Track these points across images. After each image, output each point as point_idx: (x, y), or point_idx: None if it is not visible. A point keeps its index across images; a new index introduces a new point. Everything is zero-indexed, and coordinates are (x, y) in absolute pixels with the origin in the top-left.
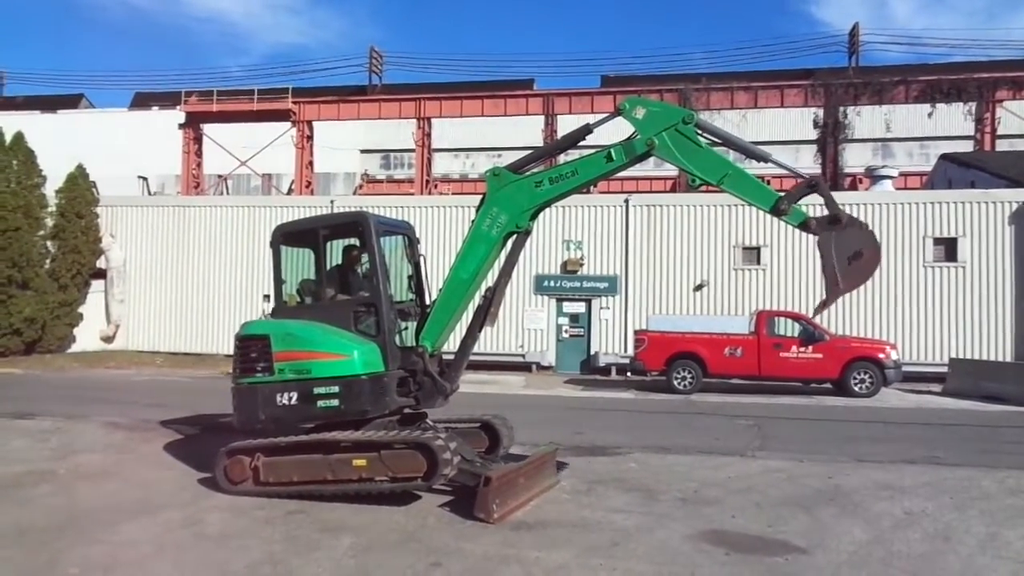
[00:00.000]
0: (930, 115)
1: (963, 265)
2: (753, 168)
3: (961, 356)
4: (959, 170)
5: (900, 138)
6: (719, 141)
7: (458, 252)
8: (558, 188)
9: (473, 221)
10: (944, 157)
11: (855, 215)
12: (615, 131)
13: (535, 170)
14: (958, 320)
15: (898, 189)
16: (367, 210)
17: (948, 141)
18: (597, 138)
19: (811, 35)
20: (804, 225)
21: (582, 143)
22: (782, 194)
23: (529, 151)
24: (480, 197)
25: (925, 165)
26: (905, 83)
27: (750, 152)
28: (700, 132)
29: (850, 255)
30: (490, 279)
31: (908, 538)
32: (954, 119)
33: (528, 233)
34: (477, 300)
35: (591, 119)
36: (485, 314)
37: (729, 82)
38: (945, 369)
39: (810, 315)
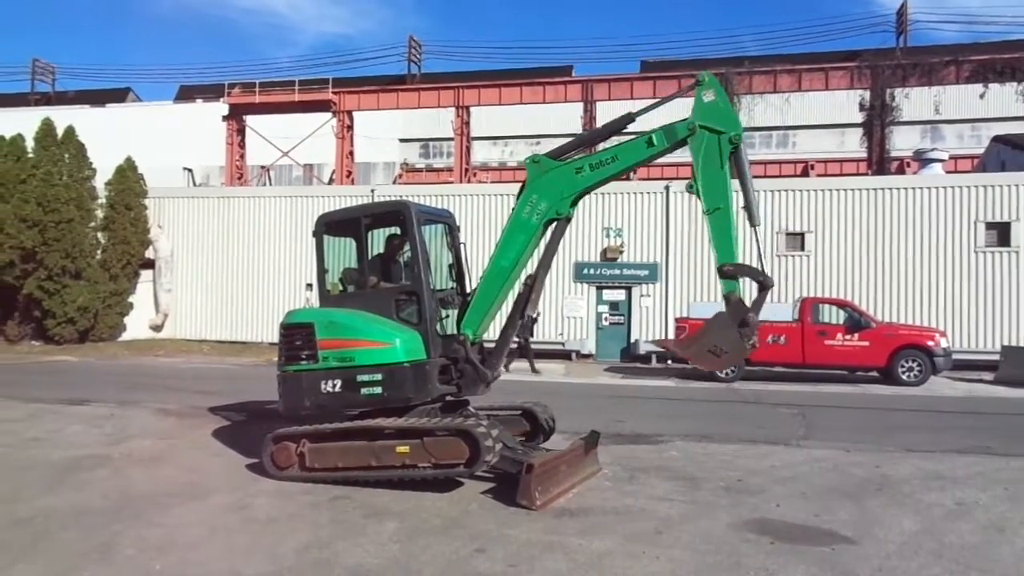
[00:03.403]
0: (982, 96)
1: (1016, 250)
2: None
3: (1014, 343)
4: (1013, 152)
5: (950, 120)
6: (737, 174)
7: (498, 240)
8: (599, 174)
9: (513, 209)
10: (997, 139)
11: (904, 201)
12: (656, 120)
13: (575, 157)
14: (1011, 306)
15: (948, 172)
16: (408, 199)
17: (1001, 122)
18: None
19: (857, 15)
20: (727, 297)
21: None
22: (742, 264)
23: (568, 138)
24: (520, 184)
25: (977, 147)
26: (956, 63)
27: (750, 207)
28: (734, 153)
29: (716, 345)
30: (531, 266)
31: (960, 529)
32: (1008, 100)
33: (568, 220)
34: (518, 288)
35: (630, 105)
36: (526, 302)
37: (772, 65)
38: (997, 357)
39: (855, 302)
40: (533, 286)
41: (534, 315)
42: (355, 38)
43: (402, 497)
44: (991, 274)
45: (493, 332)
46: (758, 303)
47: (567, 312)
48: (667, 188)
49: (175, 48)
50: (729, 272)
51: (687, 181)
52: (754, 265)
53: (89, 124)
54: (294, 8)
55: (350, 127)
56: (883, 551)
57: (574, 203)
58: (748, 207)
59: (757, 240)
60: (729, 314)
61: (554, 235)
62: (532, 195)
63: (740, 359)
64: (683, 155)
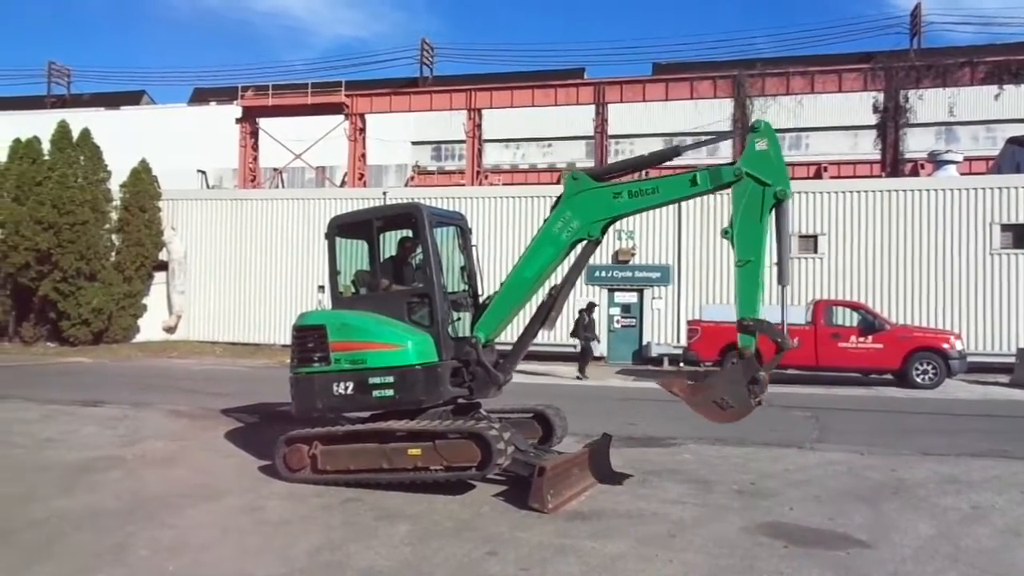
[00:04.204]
0: (997, 97)
1: None
2: None
3: None
4: None
5: (965, 121)
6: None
7: (525, 249)
8: (636, 203)
9: (545, 220)
10: (1012, 140)
11: (918, 203)
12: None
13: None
14: None
15: (963, 174)
16: (420, 201)
17: (1016, 124)
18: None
19: (871, 17)
20: (741, 352)
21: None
22: (763, 320)
23: (579, 141)
24: (556, 197)
25: (992, 149)
26: (971, 64)
27: (782, 265)
28: (776, 207)
29: (721, 397)
30: (556, 277)
31: (976, 533)
32: (1023, 101)
33: (598, 243)
34: (541, 296)
35: (642, 107)
36: (547, 313)
37: (785, 67)
38: (1013, 359)
39: (868, 304)
40: (557, 298)
41: (549, 330)
42: (369, 41)
43: (414, 499)
44: (1006, 276)
45: (511, 335)
46: (772, 363)
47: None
48: None
49: (190, 51)
50: (748, 327)
51: (725, 233)
52: (776, 323)
53: (104, 126)
54: (310, 11)
55: (362, 130)
56: (898, 555)
57: (605, 228)
58: (780, 264)
59: (783, 299)
60: (741, 369)
61: (582, 255)
62: (566, 211)
63: (745, 415)
64: (696, 158)
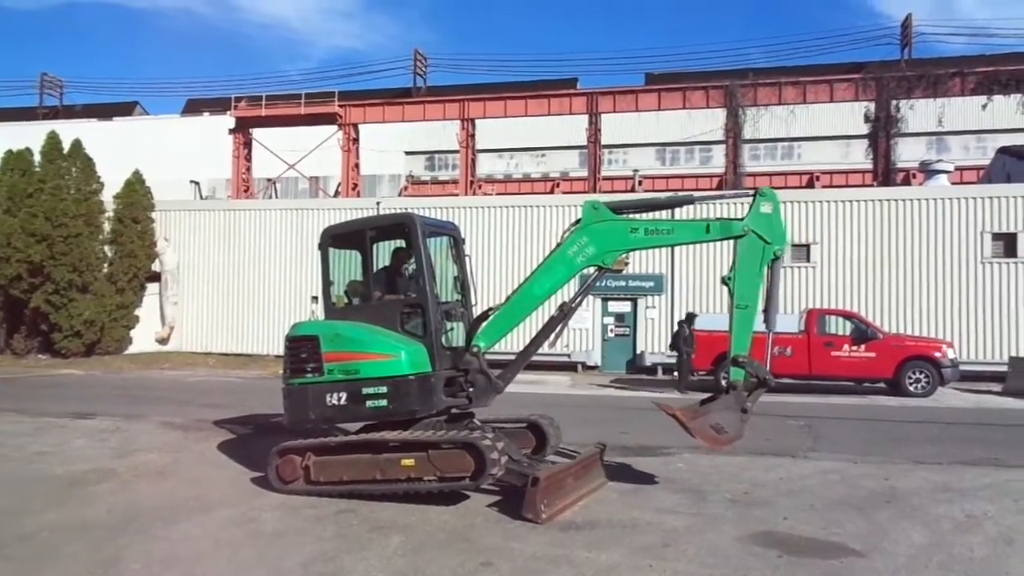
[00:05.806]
0: (984, 107)
1: (1023, 261)
2: None
3: (1021, 355)
4: (1018, 163)
5: (956, 131)
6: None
7: (536, 267)
8: (650, 240)
9: (559, 244)
10: (1002, 150)
11: (910, 212)
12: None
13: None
14: (1018, 317)
15: (954, 184)
16: (413, 211)
17: (1006, 134)
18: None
19: (862, 28)
20: (733, 384)
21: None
22: (752, 360)
23: (573, 150)
24: (575, 221)
25: (982, 159)
26: (961, 75)
27: (769, 312)
28: (772, 265)
29: (718, 423)
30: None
31: (969, 542)
32: (1013, 111)
33: (608, 270)
34: (551, 311)
35: (634, 117)
36: (554, 330)
37: (777, 77)
38: (1005, 368)
39: (861, 313)
40: (568, 315)
41: (551, 348)
42: (365, 52)
43: (407, 510)
44: (998, 285)
45: (512, 345)
46: (756, 396)
47: (572, 324)
48: None
49: (184, 62)
50: (741, 363)
51: (724, 281)
52: (764, 361)
53: (96, 138)
54: (306, 22)
55: (356, 140)
56: (892, 564)
57: (616, 258)
58: (767, 312)
59: (770, 342)
60: (733, 399)
61: (592, 279)
62: (584, 237)
63: (736, 441)
64: (689, 167)
